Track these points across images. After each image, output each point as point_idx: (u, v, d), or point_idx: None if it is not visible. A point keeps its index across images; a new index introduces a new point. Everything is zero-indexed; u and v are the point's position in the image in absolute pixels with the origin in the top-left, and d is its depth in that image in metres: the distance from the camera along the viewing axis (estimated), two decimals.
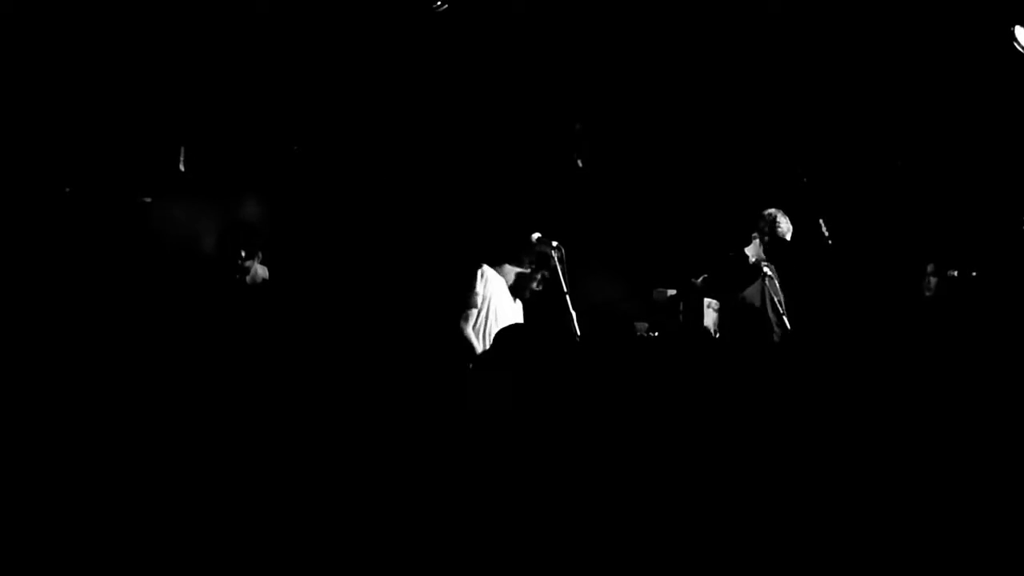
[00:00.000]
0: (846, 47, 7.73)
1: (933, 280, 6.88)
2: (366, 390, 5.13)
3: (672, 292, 6.88)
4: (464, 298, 6.39)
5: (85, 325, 5.50)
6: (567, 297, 6.14)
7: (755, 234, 6.82)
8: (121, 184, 6.85)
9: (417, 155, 7.69)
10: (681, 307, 6.82)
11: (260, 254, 6.23)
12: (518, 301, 6.57)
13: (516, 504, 4.14)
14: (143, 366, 5.16)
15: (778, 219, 6.77)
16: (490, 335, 6.32)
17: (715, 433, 4.62)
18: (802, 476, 4.45)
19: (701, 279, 6.79)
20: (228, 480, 4.45)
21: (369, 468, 4.43)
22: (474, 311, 6.38)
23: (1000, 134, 7.73)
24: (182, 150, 6.53)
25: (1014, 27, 7.33)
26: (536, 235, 6.45)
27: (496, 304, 6.42)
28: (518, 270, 6.53)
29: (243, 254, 6.17)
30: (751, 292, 6.77)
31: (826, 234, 7.04)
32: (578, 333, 6.10)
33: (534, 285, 6.53)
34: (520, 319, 6.52)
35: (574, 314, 6.13)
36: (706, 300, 6.76)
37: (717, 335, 6.67)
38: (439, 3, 7.19)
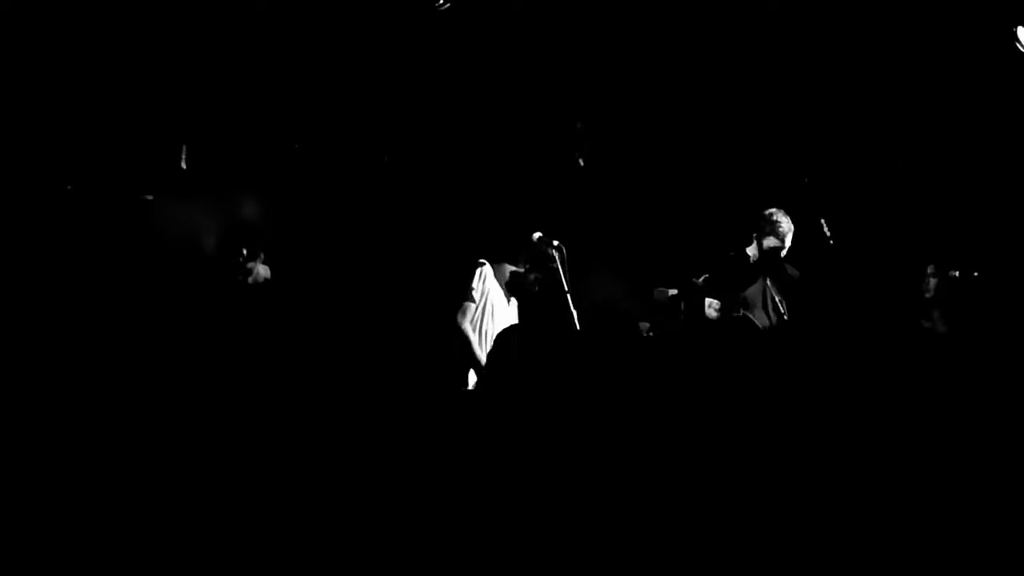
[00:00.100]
0: (846, 46, 7.73)
1: (933, 281, 6.87)
2: (366, 385, 5.14)
3: (673, 292, 6.88)
4: (463, 292, 6.42)
5: (87, 323, 5.50)
6: (568, 296, 6.16)
7: (756, 234, 6.82)
8: (123, 182, 6.86)
9: (418, 153, 7.69)
10: (682, 307, 6.82)
11: (262, 254, 6.24)
12: (513, 300, 6.58)
13: (516, 502, 4.15)
14: (144, 365, 5.17)
15: (779, 219, 6.77)
16: (485, 332, 6.36)
17: (716, 432, 4.63)
18: (802, 476, 4.46)
19: (702, 279, 6.79)
20: (229, 478, 4.45)
21: (369, 464, 4.44)
22: (472, 306, 6.41)
23: (1001, 134, 7.73)
24: (184, 148, 6.52)
25: (1016, 27, 7.33)
26: (537, 234, 6.46)
27: (493, 301, 6.45)
28: (513, 269, 6.55)
29: (245, 254, 6.17)
30: (752, 292, 6.78)
31: (828, 234, 7.04)
32: (579, 332, 6.11)
33: (531, 284, 6.54)
34: (514, 318, 6.55)
35: (575, 313, 6.14)
36: (707, 300, 6.76)
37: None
38: (441, 2, 7.19)
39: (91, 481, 4.36)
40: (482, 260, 6.51)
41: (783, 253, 6.81)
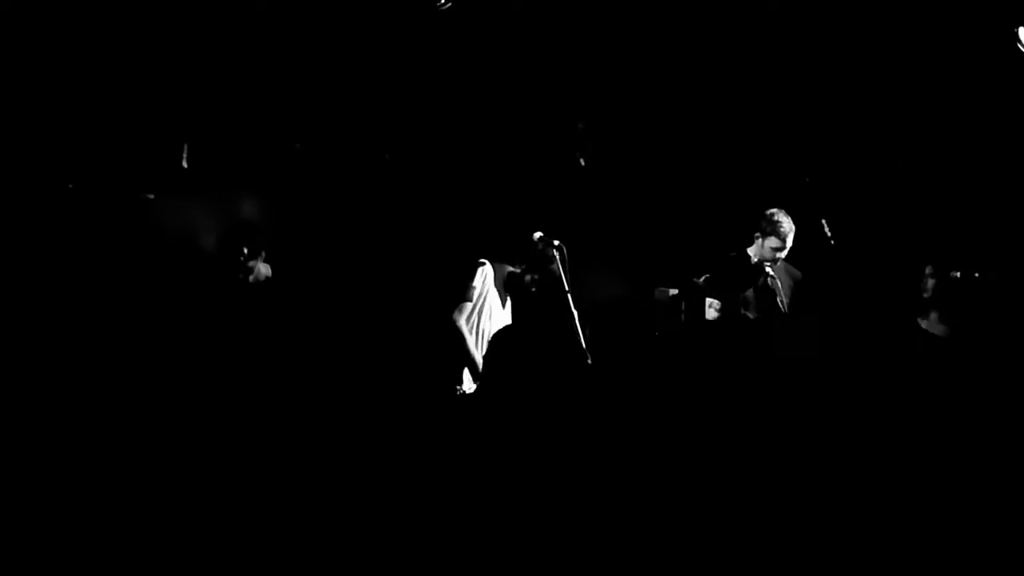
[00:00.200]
0: (847, 46, 7.73)
1: (931, 281, 6.87)
2: (364, 383, 5.14)
3: (674, 291, 6.88)
4: (462, 290, 6.42)
5: (88, 322, 5.51)
6: (569, 297, 6.16)
7: (757, 234, 6.82)
8: (124, 181, 6.86)
9: (418, 152, 7.69)
10: (683, 307, 6.82)
11: (263, 253, 6.24)
12: (508, 300, 6.59)
13: (515, 502, 4.15)
14: (146, 364, 5.17)
15: (780, 219, 6.77)
16: (482, 331, 6.36)
17: (716, 432, 4.64)
18: (802, 477, 4.46)
19: (703, 279, 6.79)
20: (230, 477, 4.46)
21: (368, 462, 4.45)
22: (469, 305, 6.41)
23: (1002, 134, 7.72)
24: (185, 147, 6.52)
25: (1017, 28, 7.32)
26: (538, 234, 6.46)
27: (490, 301, 6.46)
28: (511, 269, 6.55)
29: (246, 253, 6.18)
30: (752, 293, 6.78)
31: (828, 234, 7.04)
32: (580, 333, 6.12)
33: (528, 285, 6.54)
34: (508, 318, 6.56)
35: (576, 314, 6.14)
36: (708, 300, 6.76)
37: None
38: (442, 1, 7.19)
39: (92, 478, 4.36)
40: (483, 260, 6.51)
41: (784, 253, 6.80)
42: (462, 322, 6.39)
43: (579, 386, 5.06)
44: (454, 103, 7.66)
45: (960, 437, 4.56)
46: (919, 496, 4.34)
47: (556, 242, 6.36)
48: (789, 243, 6.77)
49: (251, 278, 6.18)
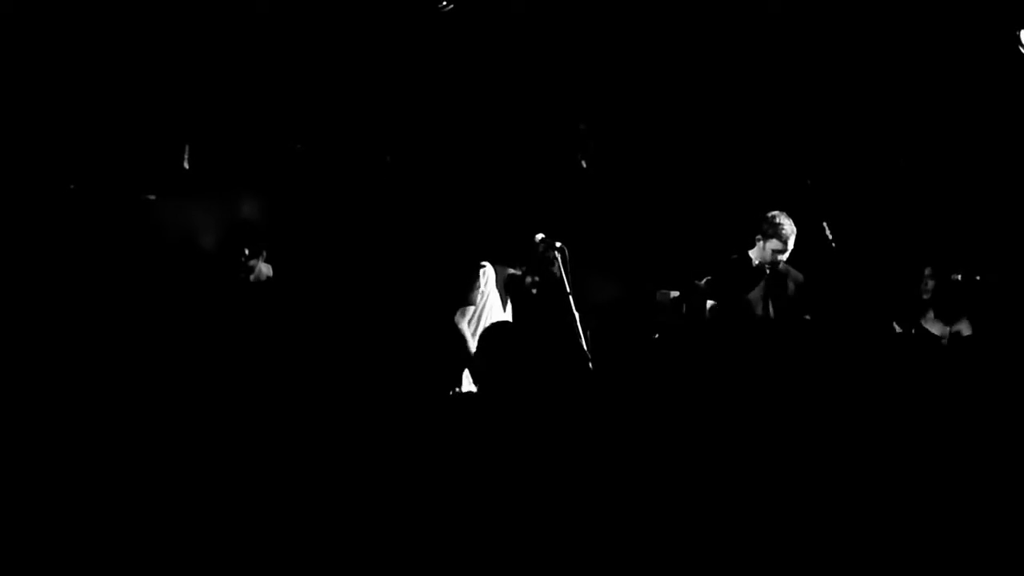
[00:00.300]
0: (847, 47, 7.74)
1: (931, 283, 6.87)
2: (364, 384, 5.14)
3: (675, 294, 6.88)
4: (463, 293, 6.42)
5: (89, 322, 5.50)
6: (570, 298, 6.16)
7: (759, 236, 6.82)
8: (125, 181, 6.86)
9: (420, 154, 7.69)
10: (684, 309, 6.82)
11: (264, 252, 6.25)
12: (508, 303, 6.59)
13: (512, 503, 4.15)
14: (147, 364, 5.17)
15: (781, 222, 6.76)
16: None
17: (715, 434, 4.63)
18: (800, 481, 4.45)
19: (704, 281, 6.79)
20: (230, 476, 4.45)
21: (368, 463, 4.44)
22: (471, 308, 6.41)
23: (1002, 136, 7.73)
24: (186, 148, 6.53)
25: (1019, 30, 7.32)
26: (539, 236, 6.46)
27: (491, 303, 6.46)
28: (512, 271, 6.55)
29: (247, 252, 6.18)
30: (754, 295, 6.78)
31: (830, 237, 7.04)
32: (581, 335, 6.12)
33: (529, 288, 6.55)
34: (509, 320, 6.55)
35: (577, 315, 6.15)
36: (709, 302, 6.76)
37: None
38: (444, 3, 7.19)
39: (92, 478, 4.36)
40: (484, 262, 6.52)
41: (785, 256, 6.80)
42: (463, 324, 6.39)
43: (579, 387, 5.06)
44: (455, 105, 7.66)
45: (960, 439, 4.55)
46: (919, 498, 4.34)
47: (558, 244, 6.37)
48: (790, 246, 6.76)
49: (252, 277, 6.18)
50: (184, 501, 4.29)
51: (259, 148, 7.29)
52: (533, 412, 4.56)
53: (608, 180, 7.95)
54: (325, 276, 6.77)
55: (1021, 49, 7.26)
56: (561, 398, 4.75)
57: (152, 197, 6.91)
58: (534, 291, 6.58)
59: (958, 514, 4.24)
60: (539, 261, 6.48)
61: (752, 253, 6.86)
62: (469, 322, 6.40)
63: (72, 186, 6.80)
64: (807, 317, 6.75)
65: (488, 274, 6.47)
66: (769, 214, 6.82)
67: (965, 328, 6.82)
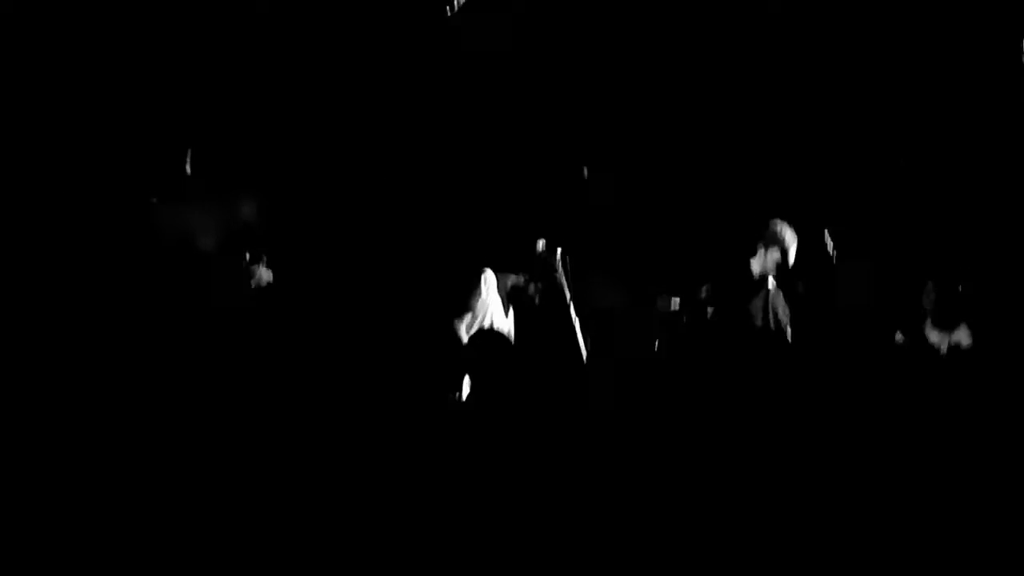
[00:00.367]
0: (849, 56, 7.75)
1: (933, 295, 6.87)
2: (363, 390, 5.14)
3: (676, 301, 6.88)
4: (464, 301, 6.42)
5: (90, 327, 5.50)
6: (571, 306, 6.17)
7: (760, 245, 6.81)
8: (126, 185, 6.86)
9: (421, 160, 7.70)
10: (684, 318, 6.82)
11: (264, 258, 6.24)
12: (511, 310, 6.59)
13: (506, 510, 4.15)
14: (146, 367, 5.17)
15: (783, 231, 6.76)
16: None
17: (715, 443, 4.63)
18: (800, 490, 4.45)
19: (704, 290, 6.79)
20: (230, 481, 4.46)
21: (367, 468, 4.45)
22: (471, 314, 6.42)
23: (1003, 147, 7.73)
24: (188, 152, 6.53)
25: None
26: (541, 243, 6.47)
27: (491, 311, 6.46)
28: (514, 279, 6.56)
29: (247, 258, 6.18)
30: (755, 305, 6.77)
31: (830, 246, 7.03)
32: (581, 343, 6.13)
33: (531, 296, 6.56)
34: (511, 328, 6.56)
35: (577, 322, 6.15)
36: (709, 311, 6.76)
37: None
38: (449, 10, 7.20)
39: (90, 480, 4.36)
40: (485, 269, 6.52)
41: (787, 265, 6.80)
42: (463, 332, 6.39)
43: (578, 394, 5.06)
44: (458, 111, 7.67)
45: (962, 449, 4.55)
46: (919, 512, 4.34)
47: (559, 251, 6.38)
48: (792, 255, 6.76)
49: (252, 283, 6.18)
50: (182, 505, 4.30)
51: (260, 153, 7.29)
52: (527, 421, 4.57)
53: (609, 187, 7.95)
54: (325, 282, 6.77)
55: None
56: (556, 408, 4.76)
57: (153, 200, 6.90)
58: (537, 299, 6.59)
59: (956, 520, 4.25)
60: (541, 268, 6.49)
61: (753, 262, 6.86)
62: (468, 328, 6.40)
63: (73, 191, 6.78)
64: (807, 327, 6.75)
65: (488, 281, 6.47)
66: (770, 223, 6.82)
67: (965, 338, 6.82)
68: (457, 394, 6.34)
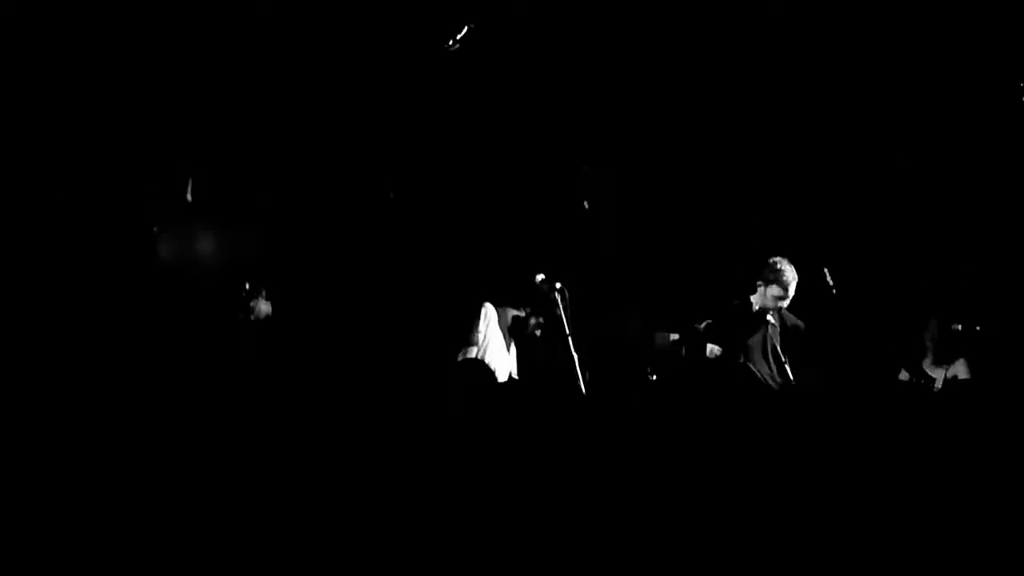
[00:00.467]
0: (851, 89, 7.78)
1: (935, 332, 6.88)
2: (366, 422, 5.13)
3: (675, 337, 6.87)
4: (465, 335, 6.43)
5: (93, 356, 5.51)
6: (569, 340, 6.17)
7: (760, 282, 6.82)
8: (129, 213, 6.87)
9: (423, 192, 7.71)
10: (683, 352, 6.82)
11: (264, 291, 6.24)
12: (513, 345, 6.59)
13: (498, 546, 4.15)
14: (146, 399, 5.16)
15: (783, 268, 6.77)
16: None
17: (712, 479, 4.62)
18: (801, 529, 4.44)
19: (704, 325, 6.79)
20: (227, 510, 4.45)
21: (366, 503, 4.44)
22: (473, 349, 6.42)
23: (1004, 183, 7.75)
24: (189, 181, 6.54)
25: None
26: (540, 276, 6.47)
27: (493, 344, 6.46)
28: (515, 312, 6.56)
29: (247, 289, 6.18)
30: (754, 341, 6.77)
31: (831, 283, 7.03)
32: (580, 376, 6.12)
33: (533, 329, 6.56)
34: (513, 362, 6.57)
35: (576, 357, 6.15)
36: (708, 346, 6.76)
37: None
38: (451, 44, 7.22)
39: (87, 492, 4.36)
40: (485, 303, 6.53)
41: (786, 302, 6.80)
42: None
43: (575, 426, 5.05)
44: (460, 145, 7.68)
45: (962, 488, 4.54)
46: (918, 548, 4.32)
47: (558, 285, 6.38)
48: (791, 292, 6.77)
49: (252, 316, 6.18)
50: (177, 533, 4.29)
51: (262, 184, 7.30)
52: (522, 449, 4.56)
53: (610, 222, 7.96)
54: (325, 314, 6.77)
55: None
56: (552, 437, 4.75)
57: (156, 230, 6.91)
58: (538, 332, 6.60)
59: (955, 549, 4.23)
60: (540, 302, 6.50)
61: (753, 299, 6.86)
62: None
63: (77, 216, 6.78)
64: (807, 364, 6.75)
65: (489, 315, 6.47)
66: (770, 260, 6.83)
67: (962, 372, 6.83)
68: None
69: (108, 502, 4.35)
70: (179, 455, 4.64)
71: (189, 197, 7.10)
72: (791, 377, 6.63)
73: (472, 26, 7.15)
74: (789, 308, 6.87)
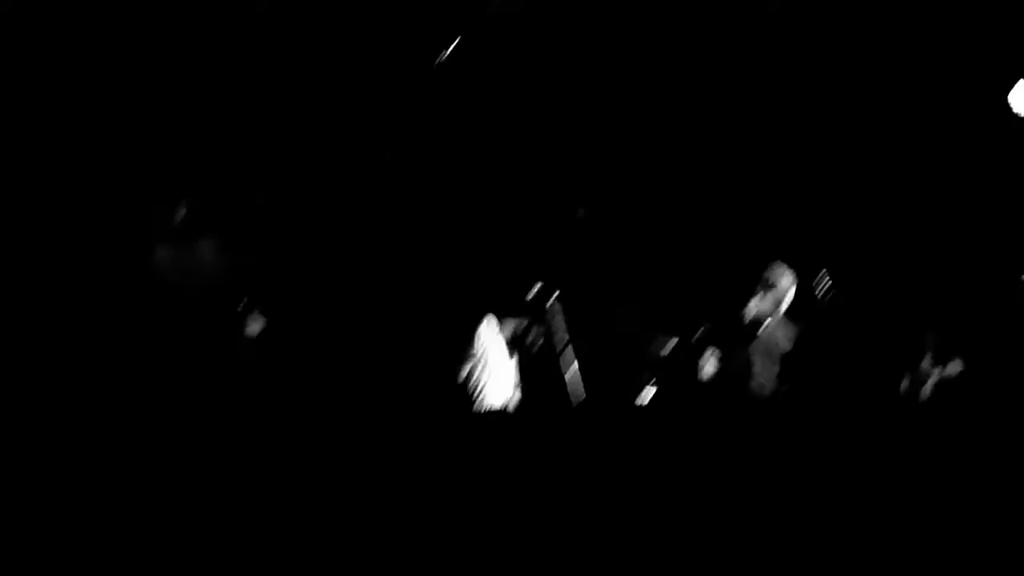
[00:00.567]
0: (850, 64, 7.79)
1: (932, 342, 6.87)
2: (364, 433, 5.15)
3: (673, 343, 6.90)
4: (462, 348, 6.45)
5: (94, 356, 5.53)
6: (560, 358, 6.21)
7: (757, 288, 6.82)
8: (124, 230, 6.88)
9: (420, 201, 7.72)
10: (681, 358, 6.84)
11: (260, 305, 6.25)
12: (514, 356, 6.62)
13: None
14: (139, 413, 5.18)
15: (780, 273, 6.77)
16: (483, 387, 6.36)
17: (706, 488, 4.64)
18: (798, 544, 4.45)
19: (702, 330, 6.80)
20: (224, 524, 4.47)
21: (362, 520, 4.46)
22: (471, 360, 6.44)
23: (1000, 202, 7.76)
24: (184, 202, 6.55)
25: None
26: (536, 287, 6.50)
27: (492, 356, 6.48)
28: (514, 324, 6.58)
29: (244, 303, 6.20)
30: (753, 347, 6.78)
31: (830, 283, 7.04)
32: (572, 387, 6.16)
33: (532, 339, 6.59)
34: (512, 374, 6.58)
35: (568, 374, 6.19)
36: (707, 352, 6.77)
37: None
38: (443, 58, 7.25)
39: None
40: (486, 314, 6.56)
41: (784, 308, 6.81)
42: (462, 376, 6.42)
43: (573, 436, 5.07)
44: (455, 155, 7.71)
45: (957, 506, 4.55)
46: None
47: (555, 295, 6.41)
48: (789, 298, 6.78)
49: (247, 332, 6.20)
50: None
51: (257, 201, 7.32)
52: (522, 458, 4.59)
53: (606, 230, 7.98)
54: (321, 327, 6.79)
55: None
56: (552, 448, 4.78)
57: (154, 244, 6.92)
58: (538, 344, 6.63)
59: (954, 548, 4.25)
60: (537, 313, 6.52)
61: (751, 305, 6.86)
62: (468, 376, 6.42)
63: (73, 229, 6.80)
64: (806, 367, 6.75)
65: (487, 327, 6.50)
66: (768, 265, 6.83)
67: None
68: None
69: (108, 502, 4.38)
70: (179, 455, 4.67)
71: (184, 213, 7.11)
72: (791, 379, 6.64)
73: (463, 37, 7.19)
74: (789, 308, 6.88)
